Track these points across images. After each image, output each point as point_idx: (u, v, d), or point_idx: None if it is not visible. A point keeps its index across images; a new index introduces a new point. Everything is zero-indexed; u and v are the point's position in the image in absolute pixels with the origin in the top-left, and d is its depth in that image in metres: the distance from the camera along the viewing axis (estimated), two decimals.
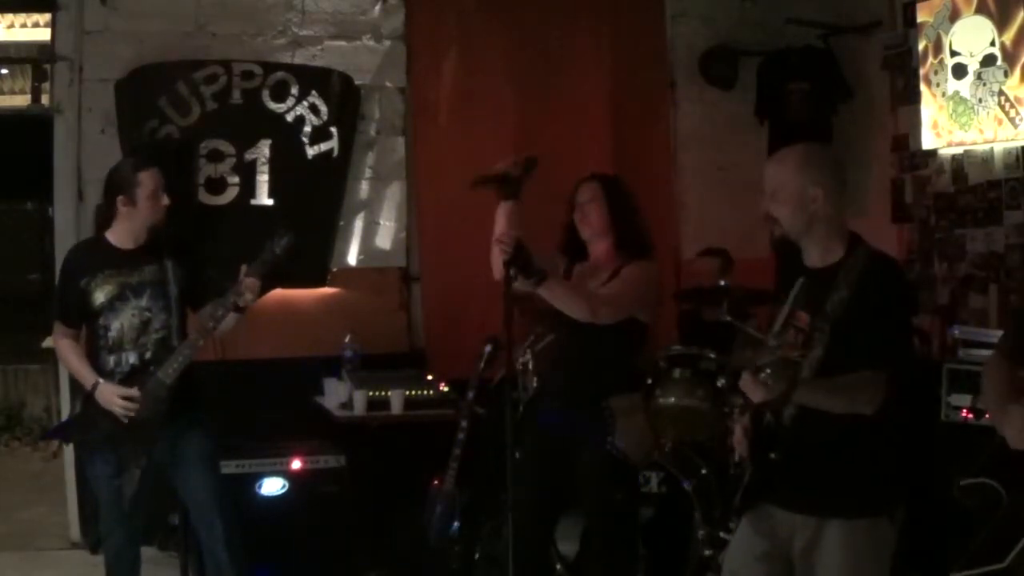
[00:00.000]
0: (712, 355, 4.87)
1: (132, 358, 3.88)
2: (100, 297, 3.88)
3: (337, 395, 4.96)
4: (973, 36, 5.04)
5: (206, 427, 4.00)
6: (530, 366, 4.58)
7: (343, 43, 5.65)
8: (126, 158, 4.76)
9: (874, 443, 2.84)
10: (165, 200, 3.89)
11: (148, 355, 3.87)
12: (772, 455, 2.89)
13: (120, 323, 3.88)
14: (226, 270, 3.92)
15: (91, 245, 4.08)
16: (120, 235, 3.94)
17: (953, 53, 5.17)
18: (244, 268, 3.80)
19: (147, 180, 3.87)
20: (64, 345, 4.00)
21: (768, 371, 2.62)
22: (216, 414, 4.06)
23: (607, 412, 3.83)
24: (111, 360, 3.89)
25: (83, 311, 3.92)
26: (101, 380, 3.83)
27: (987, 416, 4.11)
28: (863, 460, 2.84)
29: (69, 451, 5.33)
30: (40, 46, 5.34)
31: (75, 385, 5.17)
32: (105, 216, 3.98)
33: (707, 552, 4.35)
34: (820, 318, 2.77)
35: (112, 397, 3.79)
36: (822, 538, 2.85)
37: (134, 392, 3.78)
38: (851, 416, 2.76)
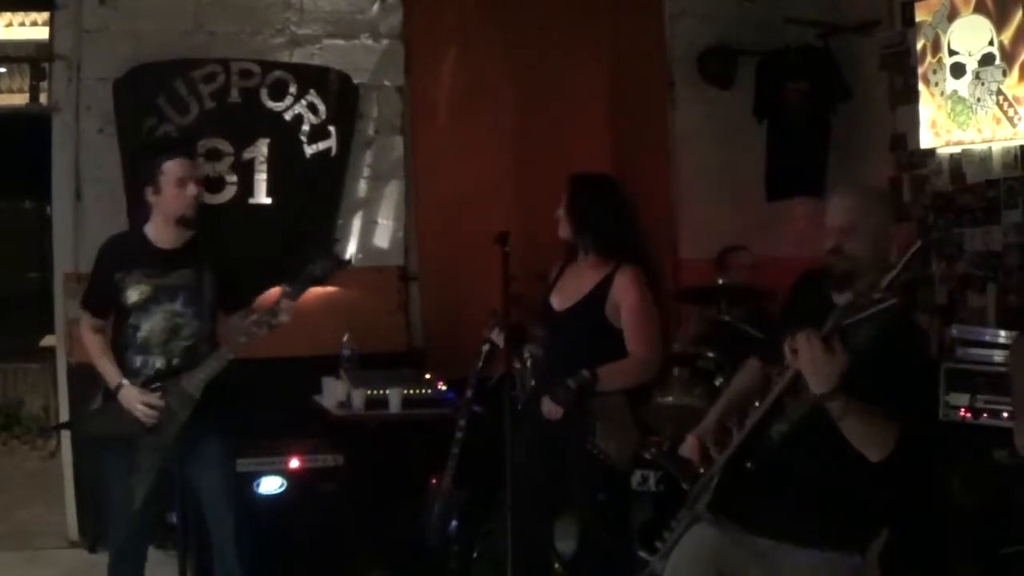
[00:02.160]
0: (710, 354, 4.89)
1: (159, 362, 3.87)
2: (133, 296, 3.86)
3: (335, 394, 4.96)
4: (971, 35, 5.04)
5: (226, 426, 3.99)
6: (528, 365, 4.58)
7: (341, 42, 5.65)
8: (152, 148, 4.81)
9: (858, 480, 2.77)
10: (192, 190, 3.86)
11: (176, 361, 3.87)
12: (748, 464, 2.85)
13: (150, 325, 3.86)
14: (225, 270, 3.92)
15: (129, 238, 4.03)
16: (157, 230, 3.92)
17: (951, 52, 5.17)
18: (282, 290, 3.82)
19: (171, 168, 3.85)
20: (90, 339, 3.97)
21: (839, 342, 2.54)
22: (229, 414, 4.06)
23: (588, 414, 3.83)
24: (137, 360, 3.88)
25: (113, 305, 3.90)
26: (125, 381, 3.82)
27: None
28: (843, 493, 2.79)
29: (67, 450, 5.33)
30: (38, 45, 5.33)
31: (73, 383, 5.21)
32: (138, 209, 3.97)
33: None
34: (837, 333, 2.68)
35: (134, 402, 3.79)
36: (788, 566, 2.81)
37: (157, 400, 3.78)
38: (842, 449, 2.69)
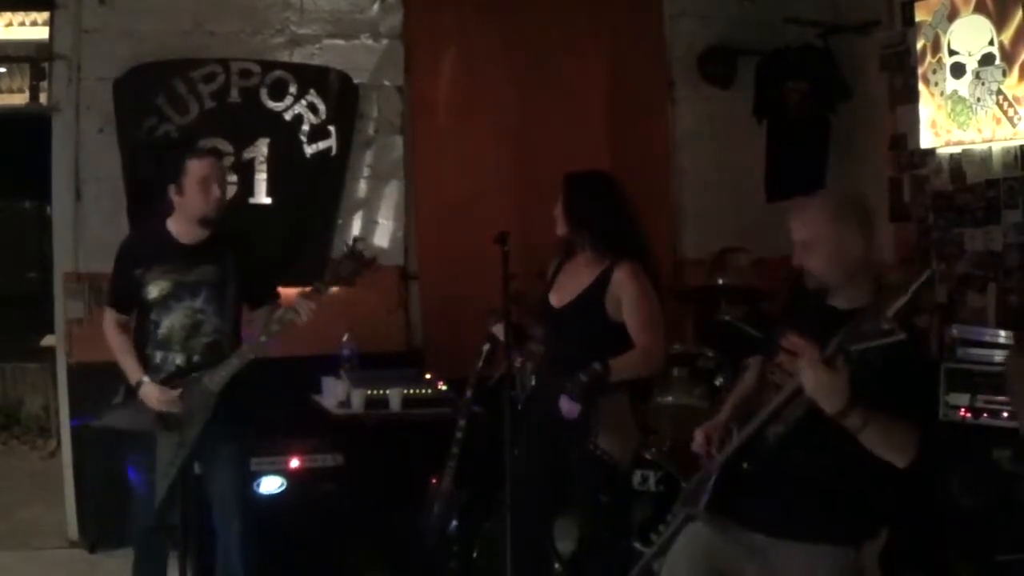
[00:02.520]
0: (710, 354, 4.89)
1: (179, 359, 3.88)
2: (154, 292, 3.86)
3: (335, 394, 4.96)
4: (971, 35, 5.04)
5: (243, 427, 4.00)
6: (528, 365, 4.58)
7: (341, 42, 5.64)
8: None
9: (855, 477, 2.78)
10: (216, 191, 3.86)
11: (196, 358, 3.88)
12: (744, 465, 2.85)
13: (171, 322, 3.87)
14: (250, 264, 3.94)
15: (151, 233, 4.00)
16: (179, 226, 3.92)
17: (951, 52, 5.17)
18: (301, 290, 3.85)
19: (195, 168, 3.85)
20: (112, 335, 3.98)
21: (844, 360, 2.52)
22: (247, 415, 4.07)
23: (591, 413, 3.83)
24: (157, 356, 3.89)
25: (135, 300, 3.91)
26: (146, 378, 3.82)
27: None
28: (839, 490, 2.79)
29: (68, 450, 5.33)
30: (38, 45, 5.33)
31: (73, 383, 5.21)
32: (157, 206, 3.98)
33: None
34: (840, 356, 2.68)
35: (154, 399, 3.80)
36: (783, 561, 2.81)
37: (177, 397, 3.79)
38: (838, 448, 2.68)
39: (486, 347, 4.50)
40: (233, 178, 5.32)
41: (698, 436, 3.05)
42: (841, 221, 2.86)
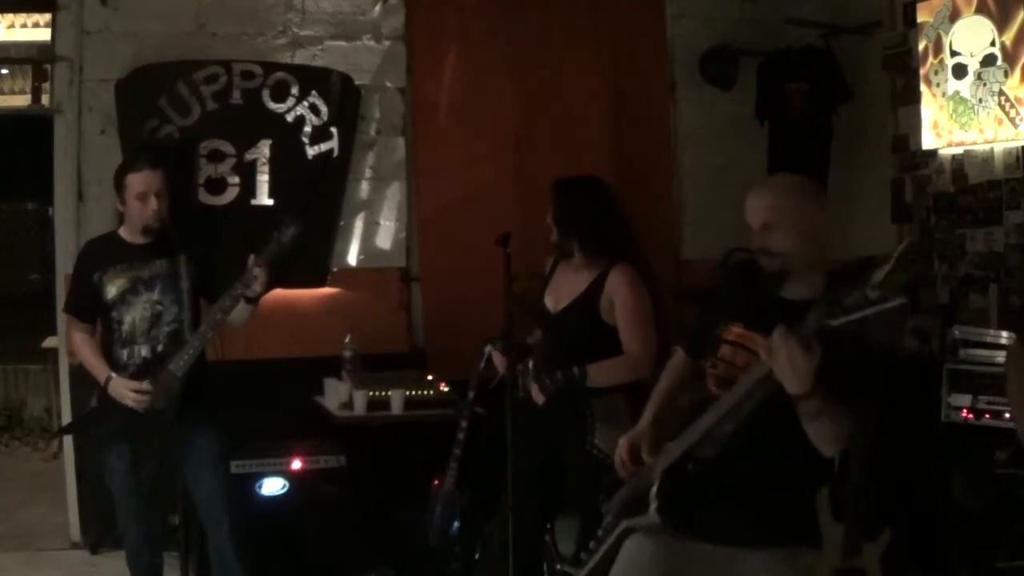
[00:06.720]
0: None
1: (144, 351, 3.93)
2: (112, 291, 3.94)
3: (337, 395, 4.96)
4: (973, 36, 5.04)
5: (216, 423, 4.03)
6: (530, 366, 4.57)
7: (343, 43, 5.65)
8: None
9: (800, 474, 2.74)
10: (153, 204, 3.91)
11: (160, 348, 3.93)
12: (689, 467, 2.76)
13: (132, 316, 3.94)
14: (226, 270, 3.94)
15: (104, 240, 4.14)
16: (130, 231, 4.02)
17: (953, 53, 5.17)
18: (252, 258, 3.83)
19: (133, 183, 3.93)
20: (78, 339, 4.06)
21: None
22: (217, 413, 4.09)
23: (588, 413, 3.85)
24: (124, 353, 3.95)
25: (96, 305, 3.98)
26: (113, 374, 3.88)
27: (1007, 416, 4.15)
28: (788, 490, 2.74)
29: (69, 451, 5.34)
30: (40, 46, 5.34)
31: (75, 385, 5.21)
32: (119, 213, 4.08)
33: None
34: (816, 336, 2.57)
35: (124, 390, 3.84)
36: (738, 569, 2.74)
37: (145, 385, 3.82)
38: (783, 447, 2.61)
39: (487, 348, 4.50)
40: (235, 179, 5.34)
41: (621, 444, 2.93)
42: (805, 197, 2.79)
